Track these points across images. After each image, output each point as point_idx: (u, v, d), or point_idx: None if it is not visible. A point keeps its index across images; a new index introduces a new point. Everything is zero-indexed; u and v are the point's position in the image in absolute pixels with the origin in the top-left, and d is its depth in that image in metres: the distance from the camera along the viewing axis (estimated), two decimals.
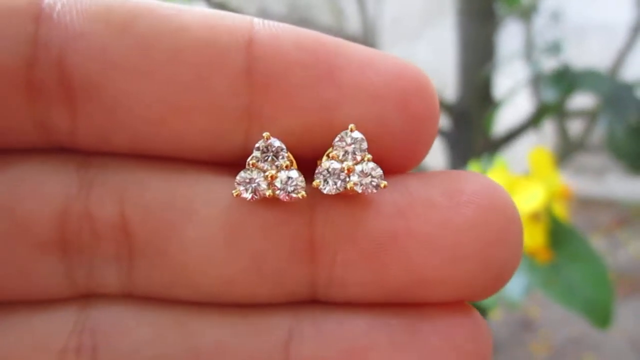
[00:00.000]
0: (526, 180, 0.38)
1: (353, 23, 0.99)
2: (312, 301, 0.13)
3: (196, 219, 0.13)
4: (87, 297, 0.13)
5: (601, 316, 0.37)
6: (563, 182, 0.42)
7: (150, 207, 0.13)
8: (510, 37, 0.91)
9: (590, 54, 1.03)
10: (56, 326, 0.13)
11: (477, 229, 0.13)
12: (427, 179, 0.13)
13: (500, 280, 0.13)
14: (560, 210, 0.41)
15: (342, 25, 1.06)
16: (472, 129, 0.82)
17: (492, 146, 0.86)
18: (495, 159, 0.43)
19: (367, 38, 0.85)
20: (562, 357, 1.13)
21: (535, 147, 0.41)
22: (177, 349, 0.13)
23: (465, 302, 0.13)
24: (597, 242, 1.47)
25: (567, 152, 0.84)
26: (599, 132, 0.68)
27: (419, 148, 0.13)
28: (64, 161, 0.13)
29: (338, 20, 1.12)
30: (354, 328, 0.13)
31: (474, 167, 0.47)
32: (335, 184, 0.13)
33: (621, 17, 0.86)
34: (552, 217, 0.39)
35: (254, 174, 0.13)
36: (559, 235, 0.39)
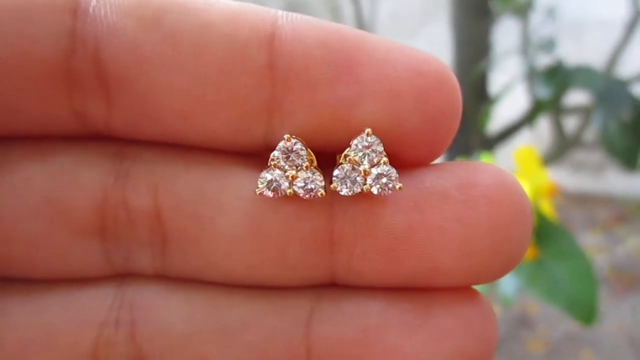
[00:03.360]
0: None
1: (350, 21, 0.99)
2: (332, 284, 0.14)
3: (224, 210, 0.13)
4: (124, 276, 0.14)
5: (585, 313, 0.37)
6: (550, 180, 0.42)
7: (182, 198, 0.14)
8: (507, 33, 0.91)
9: (587, 50, 1.03)
10: (96, 301, 0.14)
11: (488, 222, 0.13)
12: (442, 172, 0.14)
13: (508, 267, 0.14)
14: (547, 208, 0.42)
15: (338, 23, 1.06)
16: (467, 125, 0.82)
17: (488, 143, 0.86)
18: (482, 157, 0.43)
19: None
20: (559, 353, 1.13)
21: (521, 146, 0.41)
22: (207, 325, 0.14)
23: (472, 286, 0.14)
24: (595, 238, 1.47)
25: (563, 148, 0.84)
26: (596, 129, 0.68)
27: (437, 143, 0.13)
28: (101, 153, 0.14)
29: (334, 17, 1.12)
30: (370, 310, 0.14)
31: None
32: (352, 186, 0.13)
33: (618, 13, 0.86)
34: (537, 214, 0.39)
35: (276, 174, 0.13)
36: (545, 232, 0.39)
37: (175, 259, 0.14)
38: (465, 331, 0.13)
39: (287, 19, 0.13)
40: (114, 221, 0.14)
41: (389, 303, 0.14)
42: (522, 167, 0.41)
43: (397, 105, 0.13)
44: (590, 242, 1.44)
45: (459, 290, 0.14)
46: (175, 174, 0.14)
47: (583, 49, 1.09)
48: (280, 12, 0.13)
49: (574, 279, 0.38)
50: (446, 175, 0.13)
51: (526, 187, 0.38)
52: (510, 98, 0.79)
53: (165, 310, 0.14)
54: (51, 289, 0.14)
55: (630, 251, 1.43)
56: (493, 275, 0.14)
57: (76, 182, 0.13)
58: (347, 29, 0.13)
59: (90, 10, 0.13)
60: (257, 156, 0.14)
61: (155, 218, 0.14)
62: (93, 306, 0.14)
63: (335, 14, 1.12)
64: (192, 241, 0.14)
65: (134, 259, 0.14)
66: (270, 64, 0.13)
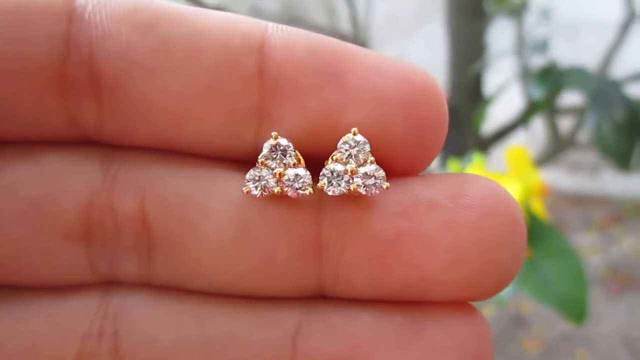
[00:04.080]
0: (503, 178, 0.39)
1: (345, 21, 1.00)
2: (321, 297, 0.14)
3: (211, 215, 0.13)
4: (109, 285, 0.14)
5: (576, 312, 0.37)
6: (542, 180, 0.42)
7: (168, 202, 0.13)
8: (502, 34, 0.91)
9: (581, 51, 1.03)
10: (79, 312, 0.14)
11: (479, 231, 0.13)
12: (431, 182, 0.13)
13: (501, 282, 0.13)
14: (539, 207, 0.42)
15: (334, 24, 1.07)
16: (462, 126, 0.82)
17: (483, 143, 0.86)
18: (474, 157, 0.44)
19: (358, 36, 0.85)
20: (554, 353, 1.14)
21: (512, 146, 0.41)
22: (192, 339, 0.14)
23: (468, 301, 0.14)
24: (591, 239, 1.48)
25: (557, 149, 0.84)
26: (590, 129, 0.68)
27: (425, 152, 0.13)
28: (89, 156, 0.14)
29: (330, 18, 1.12)
30: (360, 324, 0.13)
31: (453, 165, 0.47)
32: (339, 185, 0.13)
33: (612, 15, 0.86)
34: (529, 214, 0.39)
35: (263, 172, 0.13)
36: (536, 231, 0.39)
37: (161, 266, 0.14)
38: (460, 349, 0.13)
39: (276, 29, 0.13)
40: (99, 226, 0.14)
41: (380, 317, 0.13)
42: (513, 167, 0.41)
43: (384, 112, 0.13)
44: (585, 242, 1.45)
45: (454, 305, 0.14)
46: (162, 177, 0.14)
47: (577, 50, 1.10)
48: (270, 23, 0.13)
49: (564, 278, 0.38)
50: (435, 184, 0.13)
51: (518, 187, 0.39)
52: (505, 99, 0.79)
53: (149, 322, 0.14)
54: (36, 298, 0.14)
55: (626, 251, 1.44)
56: (487, 289, 0.13)
57: (63, 185, 0.13)
58: (335, 40, 0.13)
59: (86, 15, 0.13)
60: (246, 162, 0.14)
61: (141, 222, 0.14)
62: (77, 316, 0.14)
63: (332, 15, 1.13)
64: (178, 247, 0.14)
65: (119, 265, 0.14)
66: (261, 71, 0.13)
